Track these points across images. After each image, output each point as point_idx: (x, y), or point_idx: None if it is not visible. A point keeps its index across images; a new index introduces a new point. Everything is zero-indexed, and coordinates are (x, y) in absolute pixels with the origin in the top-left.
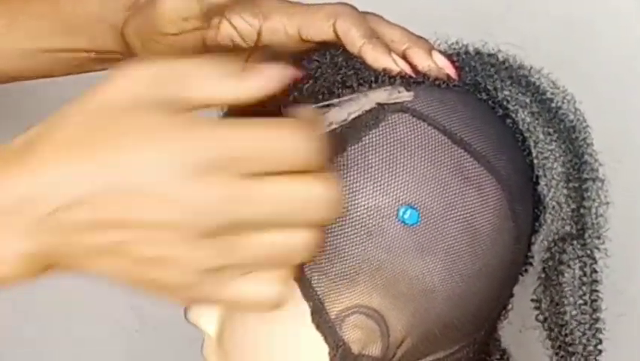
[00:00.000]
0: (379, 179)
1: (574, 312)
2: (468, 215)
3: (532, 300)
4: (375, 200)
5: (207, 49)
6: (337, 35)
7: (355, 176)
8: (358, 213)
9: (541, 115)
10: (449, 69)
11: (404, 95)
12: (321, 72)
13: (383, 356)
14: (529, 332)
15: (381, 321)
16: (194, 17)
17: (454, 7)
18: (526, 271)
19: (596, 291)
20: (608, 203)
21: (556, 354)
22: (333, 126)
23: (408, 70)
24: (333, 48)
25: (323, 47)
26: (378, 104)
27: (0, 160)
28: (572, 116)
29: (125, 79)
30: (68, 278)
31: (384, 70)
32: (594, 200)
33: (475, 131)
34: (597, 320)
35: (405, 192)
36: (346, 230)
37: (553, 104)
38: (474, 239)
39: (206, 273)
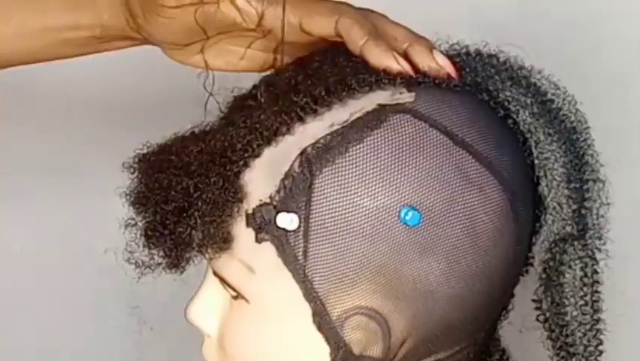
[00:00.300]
0: (381, 180)
1: (575, 313)
2: (469, 215)
3: (533, 300)
4: (377, 201)
5: (207, 24)
6: (339, 33)
7: (357, 177)
8: (360, 215)
9: (543, 116)
10: (449, 68)
11: (405, 96)
12: (322, 72)
13: (384, 357)
14: (529, 332)
15: (383, 322)
16: None
17: (455, 8)
18: (527, 271)
19: (597, 292)
20: (609, 204)
21: (557, 355)
22: (335, 127)
23: (409, 69)
24: (331, 45)
25: (322, 42)
26: (380, 105)
27: None
28: (572, 117)
29: None
30: (69, 278)
31: (385, 69)
32: (595, 201)
33: (476, 133)
34: (598, 320)
35: (407, 193)
36: (348, 231)
37: (554, 105)
38: (475, 240)
39: None
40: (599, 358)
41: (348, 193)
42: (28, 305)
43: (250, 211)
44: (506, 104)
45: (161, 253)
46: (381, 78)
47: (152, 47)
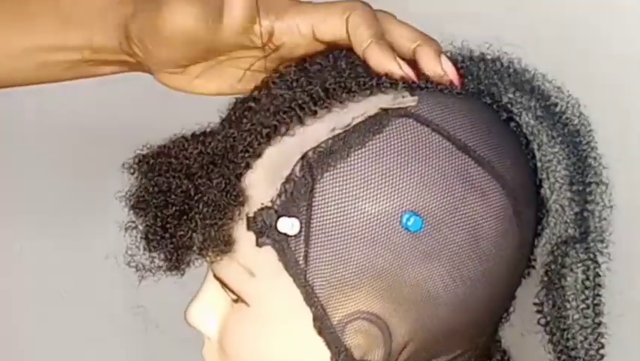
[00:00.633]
0: (383, 185)
1: (576, 316)
2: (472, 221)
3: (535, 303)
4: (379, 206)
5: (218, 51)
6: (347, 30)
7: (359, 182)
8: (362, 220)
9: (545, 119)
10: (453, 76)
11: (408, 100)
12: (323, 75)
13: None
14: (531, 335)
15: (384, 327)
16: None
17: (456, 8)
18: (528, 274)
19: (599, 295)
20: (611, 206)
21: (558, 358)
22: (337, 131)
23: (412, 75)
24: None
25: (335, 48)
26: (382, 109)
27: None
28: (575, 120)
29: None
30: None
31: (387, 74)
32: (597, 203)
33: (479, 137)
34: (600, 324)
35: (408, 198)
36: (349, 236)
37: (557, 108)
38: (478, 245)
39: None
40: None
41: (350, 198)
42: (30, 305)
43: (251, 215)
44: (509, 107)
45: (162, 256)
46: (383, 82)
47: None
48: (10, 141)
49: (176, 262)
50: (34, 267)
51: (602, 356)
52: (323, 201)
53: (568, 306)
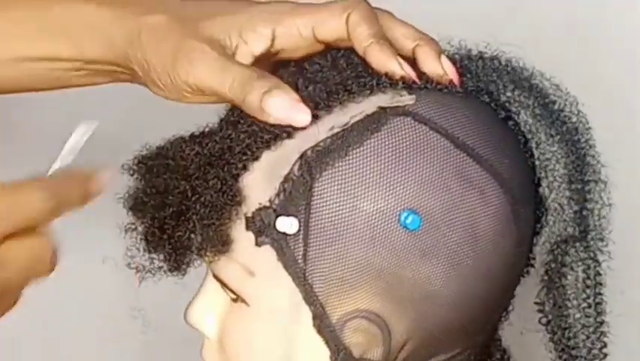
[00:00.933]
0: (381, 183)
1: (577, 315)
2: (470, 219)
3: (536, 303)
4: (377, 205)
5: None
6: (347, 29)
7: (357, 180)
8: (360, 218)
9: (544, 117)
10: (453, 76)
11: (406, 99)
12: (322, 75)
13: (384, 360)
14: (531, 333)
15: (383, 325)
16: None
17: (456, 8)
18: (527, 273)
19: (600, 294)
20: (610, 205)
21: (560, 358)
22: (335, 130)
23: (412, 75)
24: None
25: (335, 48)
26: (380, 107)
27: None
28: (574, 118)
29: None
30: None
31: (387, 73)
32: (596, 202)
33: (477, 135)
34: (602, 323)
35: (407, 196)
36: (348, 235)
37: (555, 107)
38: (476, 243)
39: None
40: None
41: (348, 197)
42: (29, 308)
43: (249, 215)
44: (507, 105)
45: (161, 257)
46: (383, 81)
47: None
48: (9, 142)
49: (176, 263)
50: None
51: (605, 355)
52: (321, 200)
53: (569, 305)
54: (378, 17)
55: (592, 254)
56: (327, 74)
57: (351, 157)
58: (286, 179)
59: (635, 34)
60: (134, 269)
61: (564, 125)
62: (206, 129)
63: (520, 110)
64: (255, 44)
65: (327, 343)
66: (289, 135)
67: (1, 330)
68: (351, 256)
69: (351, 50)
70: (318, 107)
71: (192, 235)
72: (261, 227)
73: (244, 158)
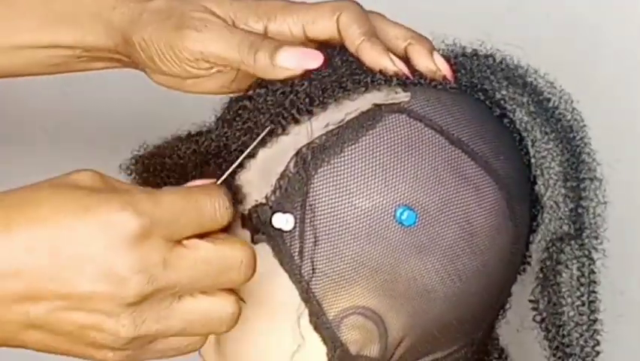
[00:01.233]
0: (377, 180)
1: (571, 313)
2: (465, 215)
3: (530, 300)
4: (373, 201)
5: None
6: (339, 30)
7: (353, 177)
8: (356, 214)
9: (539, 115)
10: (447, 71)
11: (401, 96)
12: (317, 73)
13: (381, 357)
14: (527, 331)
15: (380, 322)
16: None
17: (452, 7)
18: (524, 270)
19: (594, 292)
20: (605, 203)
21: (554, 355)
22: (330, 127)
23: (406, 71)
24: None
25: (328, 46)
26: (375, 104)
27: None
28: (569, 116)
29: None
30: None
31: (381, 70)
32: (592, 200)
33: (472, 132)
34: (595, 321)
35: (402, 193)
36: (344, 231)
37: (550, 104)
38: (472, 239)
39: (136, 339)
40: (595, 359)
41: (344, 193)
42: None
43: (246, 212)
44: (502, 103)
45: None
46: (377, 79)
47: None
48: (6, 144)
49: None
50: None
51: (598, 353)
52: (317, 197)
53: (563, 303)
54: (370, 19)
55: (587, 252)
56: (322, 71)
57: (346, 154)
58: (282, 176)
59: (635, 34)
60: None
61: (559, 123)
62: (204, 129)
63: (516, 107)
64: None
65: (324, 340)
66: (284, 131)
67: None
68: (347, 253)
69: (346, 49)
70: (314, 105)
71: None
72: (257, 224)
73: (240, 156)
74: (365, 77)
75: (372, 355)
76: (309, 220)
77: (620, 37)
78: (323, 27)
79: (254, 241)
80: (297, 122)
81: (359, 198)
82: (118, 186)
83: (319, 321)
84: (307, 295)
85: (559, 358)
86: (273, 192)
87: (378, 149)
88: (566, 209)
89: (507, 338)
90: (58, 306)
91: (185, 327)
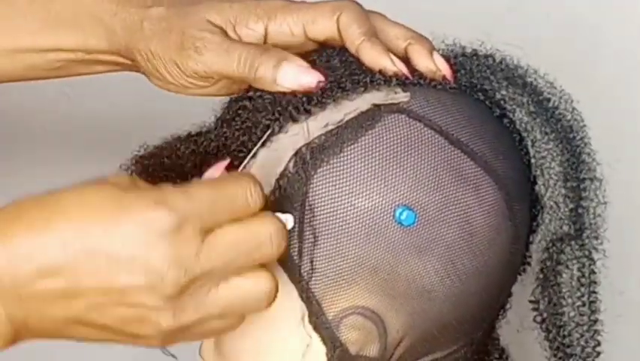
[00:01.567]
0: (376, 180)
1: (572, 313)
2: (465, 215)
3: (531, 301)
4: (372, 201)
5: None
6: (339, 29)
7: (352, 177)
8: (355, 214)
9: (539, 115)
10: (447, 71)
11: (400, 96)
12: None
13: (381, 357)
14: (527, 331)
15: (379, 322)
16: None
17: (452, 7)
18: (524, 270)
19: (595, 292)
20: (605, 203)
21: (555, 356)
22: (330, 127)
23: (405, 71)
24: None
25: (328, 47)
26: (375, 105)
27: None
28: (569, 116)
29: None
30: None
31: (381, 70)
32: (592, 200)
33: (471, 132)
34: (596, 321)
35: (402, 193)
36: (343, 231)
37: (550, 104)
38: (471, 239)
39: (178, 328)
40: (596, 359)
41: (343, 193)
42: None
43: None
44: (502, 103)
45: None
46: (376, 79)
47: None
48: (10, 142)
49: None
50: None
51: (599, 354)
52: (316, 197)
53: (563, 303)
54: (370, 19)
55: (587, 252)
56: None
57: (345, 154)
58: (281, 176)
59: (635, 34)
60: None
61: (559, 123)
62: (204, 129)
63: (515, 107)
64: (248, 41)
65: (323, 340)
66: (281, 130)
67: None
68: (346, 253)
69: (345, 49)
70: (312, 104)
71: None
72: None
73: (240, 155)
74: (364, 77)
75: (371, 355)
76: (308, 220)
77: (620, 37)
78: (323, 27)
79: None
80: (295, 121)
81: (358, 198)
82: (148, 185)
83: (319, 321)
84: (306, 295)
85: (560, 358)
86: (273, 192)
87: (377, 149)
88: (566, 209)
89: (507, 338)
90: (100, 302)
91: (225, 312)
